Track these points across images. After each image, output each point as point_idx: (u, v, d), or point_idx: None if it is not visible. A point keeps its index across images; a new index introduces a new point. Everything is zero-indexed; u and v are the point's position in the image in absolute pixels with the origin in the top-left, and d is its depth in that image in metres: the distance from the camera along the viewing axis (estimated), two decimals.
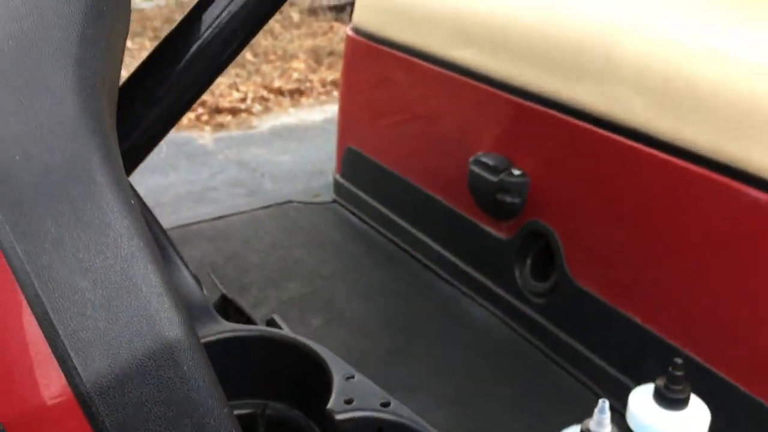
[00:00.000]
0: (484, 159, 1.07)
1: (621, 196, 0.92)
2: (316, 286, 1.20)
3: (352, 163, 1.47)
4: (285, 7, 4.59)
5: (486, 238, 1.13)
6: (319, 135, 2.97)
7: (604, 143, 0.92)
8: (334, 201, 1.53)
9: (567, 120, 0.97)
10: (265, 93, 3.31)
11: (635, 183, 0.90)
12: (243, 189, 2.47)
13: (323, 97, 3.53)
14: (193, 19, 0.63)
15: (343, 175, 1.51)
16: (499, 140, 1.09)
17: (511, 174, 1.04)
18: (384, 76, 1.35)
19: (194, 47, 0.62)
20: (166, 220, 2.01)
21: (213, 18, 0.61)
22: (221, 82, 3.38)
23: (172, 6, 4.74)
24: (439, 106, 1.22)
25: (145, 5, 5.00)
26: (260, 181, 2.55)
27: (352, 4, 4.53)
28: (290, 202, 1.53)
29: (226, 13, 0.60)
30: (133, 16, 3.91)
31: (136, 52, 3.89)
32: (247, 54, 3.79)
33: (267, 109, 3.20)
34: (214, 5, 0.62)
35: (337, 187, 1.53)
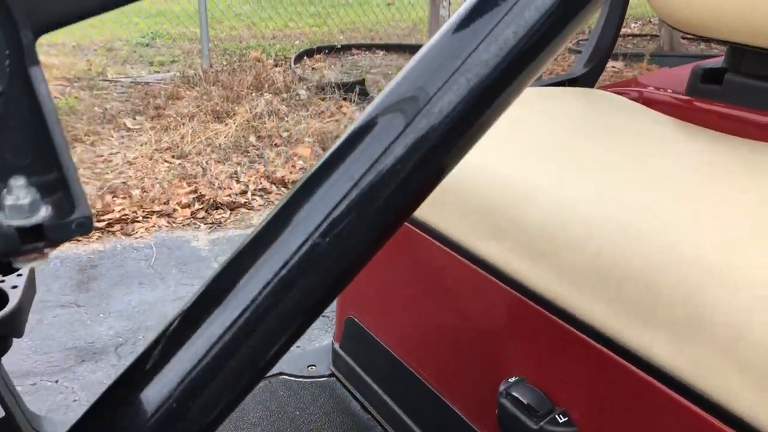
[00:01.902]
0: (516, 393, 0.84)
1: None
2: None
3: (353, 337, 1.25)
4: (293, 84, 4.44)
5: None
6: None
7: (679, 410, 0.69)
8: (332, 375, 1.30)
9: (629, 368, 0.74)
10: (266, 184, 3.12)
11: None
12: None
13: None
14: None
15: (342, 347, 1.28)
16: (536, 367, 0.86)
17: (555, 421, 0.81)
18: (395, 247, 1.13)
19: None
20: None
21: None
22: (222, 171, 3.20)
23: (178, 81, 4.60)
24: (459, 300, 1.00)
25: (150, 78, 4.88)
26: None
27: (361, 83, 4.39)
28: (281, 374, 1.30)
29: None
30: (136, 91, 3.77)
31: (135, 134, 3.73)
32: (251, 137, 3.62)
33: (268, 203, 3.00)
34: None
35: (336, 359, 1.30)
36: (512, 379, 0.86)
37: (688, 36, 1.30)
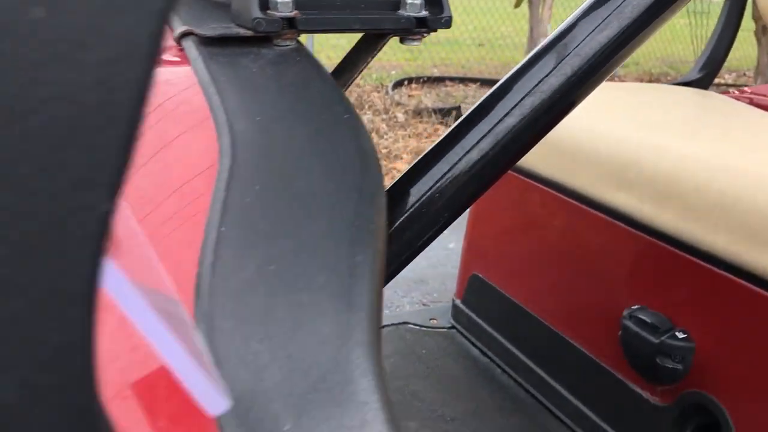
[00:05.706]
0: (641, 315, 0.97)
1: None
2: (438, 429, 1.11)
3: (477, 292, 1.40)
4: (391, 107, 4.68)
5: (635, 400, 1.02)
6: None
7: None
8: (452, 327, 1.45)
9: (748, 287, 0.87)
10: None
11: None
12: None
13: None
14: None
15: (464, 302, 1.44)
16: (658, 296, 0.99)
17: (675, 336, 0.93)
18: (519, 205, 1.29)
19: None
20: None
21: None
22: None
23: None
24: (583, 246, 1.14)
25: None
26: None
27: (458, 109, 4.53)
28: (406, 323, 1.46)
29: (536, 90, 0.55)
30: None
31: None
32: None
33: None
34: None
35: (456, 314, 1.45)
36: (635, 307, 1.00)
37: None
